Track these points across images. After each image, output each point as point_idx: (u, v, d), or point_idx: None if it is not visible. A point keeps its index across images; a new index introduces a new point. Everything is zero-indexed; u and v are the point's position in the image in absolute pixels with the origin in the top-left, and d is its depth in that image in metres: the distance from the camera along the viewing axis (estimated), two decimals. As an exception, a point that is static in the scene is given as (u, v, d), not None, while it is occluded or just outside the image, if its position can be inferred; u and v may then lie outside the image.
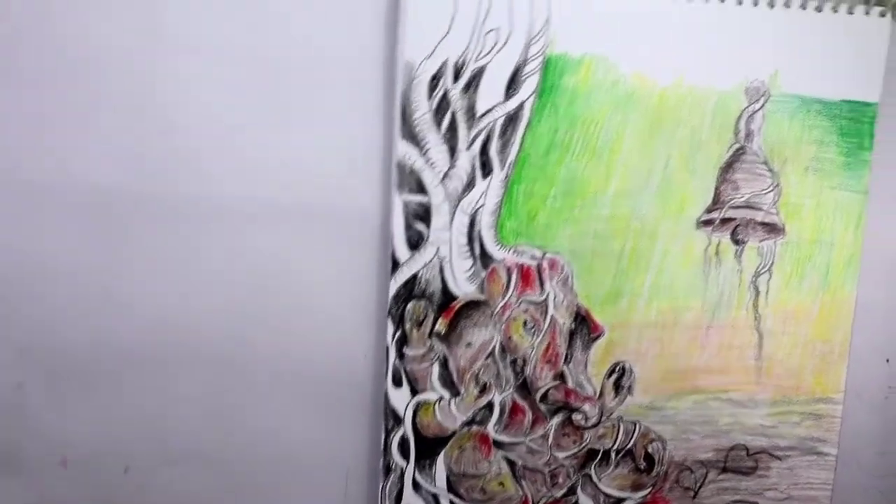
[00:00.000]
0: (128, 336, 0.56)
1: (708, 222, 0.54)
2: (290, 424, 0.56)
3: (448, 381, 0.53)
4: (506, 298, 0.53)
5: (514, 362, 0.54)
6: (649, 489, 0.56)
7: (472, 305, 0.53)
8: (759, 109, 0.53)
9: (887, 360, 0.58)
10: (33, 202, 0.54)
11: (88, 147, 0.53)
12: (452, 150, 0.52)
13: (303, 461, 0.56)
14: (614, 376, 0.54)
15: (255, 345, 0.55)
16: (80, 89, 0.53)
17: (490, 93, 0.51)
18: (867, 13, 0.52)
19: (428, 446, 0.54)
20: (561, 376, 0.54)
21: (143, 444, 0.57)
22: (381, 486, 0.54)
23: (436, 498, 0.54)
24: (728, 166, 0.53)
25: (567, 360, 0.54)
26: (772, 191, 0.54)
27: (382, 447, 0.54)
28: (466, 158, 0.52)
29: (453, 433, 0.54)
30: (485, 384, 0.53)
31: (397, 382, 0.53)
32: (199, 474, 0.57)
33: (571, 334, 0.53)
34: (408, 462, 0.54)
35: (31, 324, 0.55)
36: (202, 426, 0.56)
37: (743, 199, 0.54)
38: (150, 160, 0.53)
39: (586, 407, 0.54)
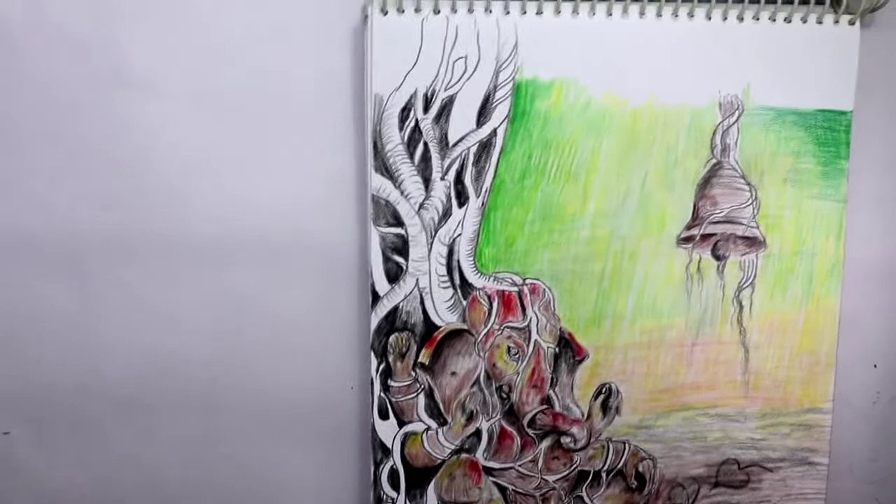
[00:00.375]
0: (111, 379, 0.55)
1: (688, 239, 0.53)
2: (279, 461, 0.56)
3: (435, 411, 0.53)
4: (488, 326, 0.53)
5: (499, 389, 0.53)
6: (642, 508, 0.56)
7: (455, 335, 0.53)
8: (733, 123, 0.53)
9: (875, 366, 0.58)
10: (10, 249, 0.54)
11: (63, 192, 0.53)
12: (427, 181, 0.51)
13: (292, 497, 0.56)
14: (601, 398, 0.54)
15: (238, 383, 0.55)
16: (54, 135, 0.53)
17: (462, 121, 0.51)
18: (836, 22, 0.52)
19: (418, 476, 0.54)
20: (548, 400, 0.54)
21: (133, 486, 0.57)
22: (373, 519, 0.54)
23: (428, 528, 0.54)
24: (705, 182, 0.53)
25: (553, 384, 0.54)
26: (750, 204, 0.54)
27: (372, 480, 0.54)
28: (441, 188, 0.52)
29: (442, 462, 0.54)
30: (471, 412, 0.53)
31: (383, 415, 0.53)
32: (191, 514, 0.57)
33: (556, 358, 0.53)
34: (398, 493, 0.54)
35: (15, 371, 0.55)
36: (190, 465, 0.56)
37: (722, 214, 0.53)
38: (124, 202, 0.53)
39: (574, 429, 0.54)
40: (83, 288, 0.54)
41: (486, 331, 0.53)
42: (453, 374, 0.53)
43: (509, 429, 0.54)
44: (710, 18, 0.52)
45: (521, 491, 0.55)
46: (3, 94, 0.52)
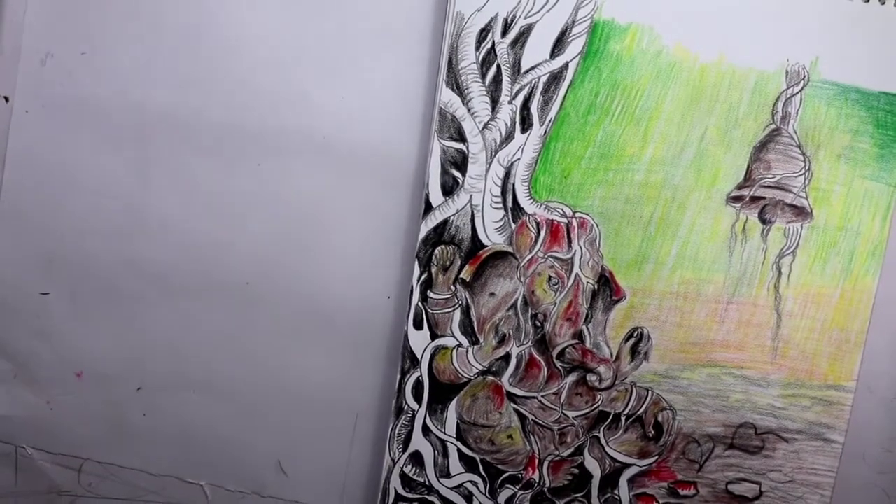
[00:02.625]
0: (155, 258, 0.56)
1: (737, 198, 0.54)
2: (306, 360, 0.57)
3: (468, 329, 0.54)
4: (533, 252, 0.54)
5: (534, 317, 0.54)
6: (655, 458, 0.56)
7: (499, 256, 0.54)
8: (797, 93, 0.54)
9: (901, 357, 0.58)
10: (78, 113, 0.55)
11: (139, 67, 0.55)
12: (494, 102, 0.53)
13: (315, 397, 0.57)
14: (632, 341, 0.55)
15: (278, 278, 0.56)
16: (141, 15, 0.54)
17: (536, 50, 0.53)
18: (912, 7, 0.53)
19: (441, 392, 0.54)
20: (579, 335, 0.54)
21: (159, 366, 0.58)
22: (391, 427, 0.55)
23: (444, 444, 0.55)
24: (762, 146, 0.54)
25: (587, 320, 0.54)
26: (803, 174, 0.55)
27: (396, 388, 0.54)
28: (507, 111, 0.53)
29: (468, 381, 0.54)
30: (504, 335, 0.54)
31: (418, 325, 0.54)
32: (208, 401, 0.58)
33: (594, 295, 0.54)
34: (420, 405, 0.54)
35: (63, 235, 0.56)
36: (217, 354, 0.57)
37: (774, 180, 0.54)
38: (200, 87, 0.55)
39: (601, 368, 0.55)
40: (143, 165, 0.56)
41: (530, 256, 0.54)
42: (492, 294, 0.54)
43: (538, 358, 0.55)
44: (789, -13, 0.53)
45: (540, 422, 0.55)
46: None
